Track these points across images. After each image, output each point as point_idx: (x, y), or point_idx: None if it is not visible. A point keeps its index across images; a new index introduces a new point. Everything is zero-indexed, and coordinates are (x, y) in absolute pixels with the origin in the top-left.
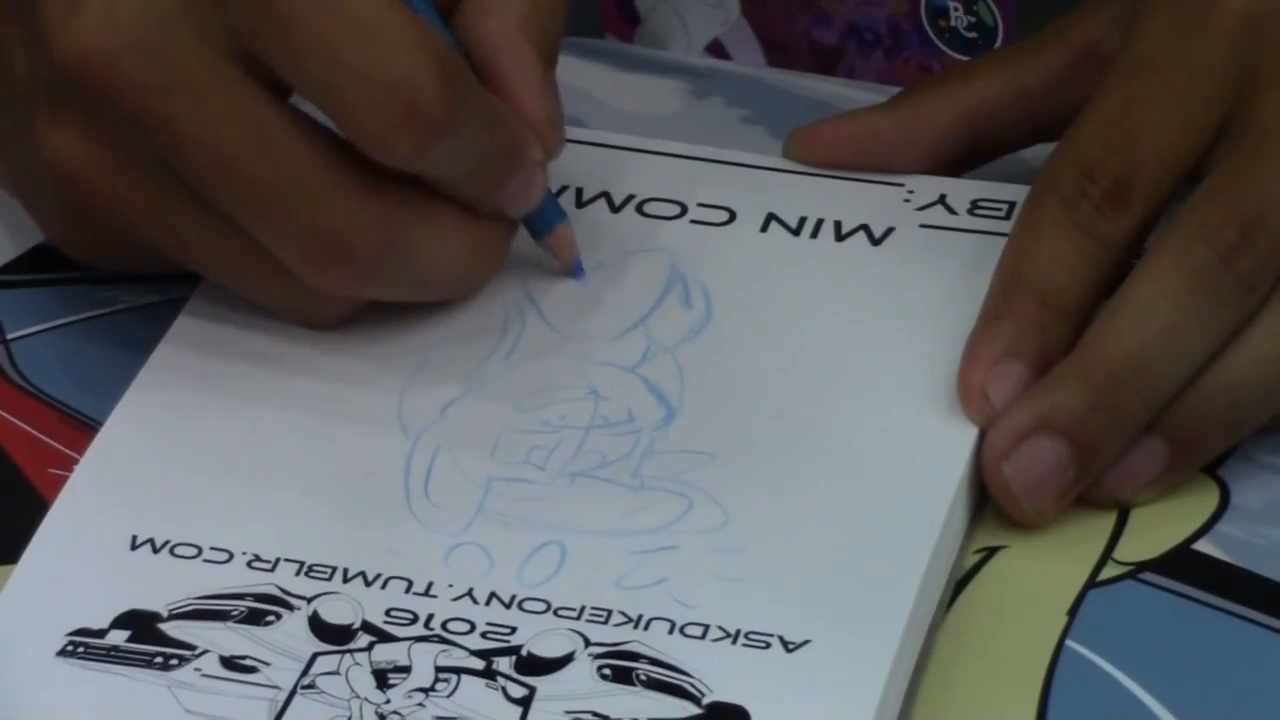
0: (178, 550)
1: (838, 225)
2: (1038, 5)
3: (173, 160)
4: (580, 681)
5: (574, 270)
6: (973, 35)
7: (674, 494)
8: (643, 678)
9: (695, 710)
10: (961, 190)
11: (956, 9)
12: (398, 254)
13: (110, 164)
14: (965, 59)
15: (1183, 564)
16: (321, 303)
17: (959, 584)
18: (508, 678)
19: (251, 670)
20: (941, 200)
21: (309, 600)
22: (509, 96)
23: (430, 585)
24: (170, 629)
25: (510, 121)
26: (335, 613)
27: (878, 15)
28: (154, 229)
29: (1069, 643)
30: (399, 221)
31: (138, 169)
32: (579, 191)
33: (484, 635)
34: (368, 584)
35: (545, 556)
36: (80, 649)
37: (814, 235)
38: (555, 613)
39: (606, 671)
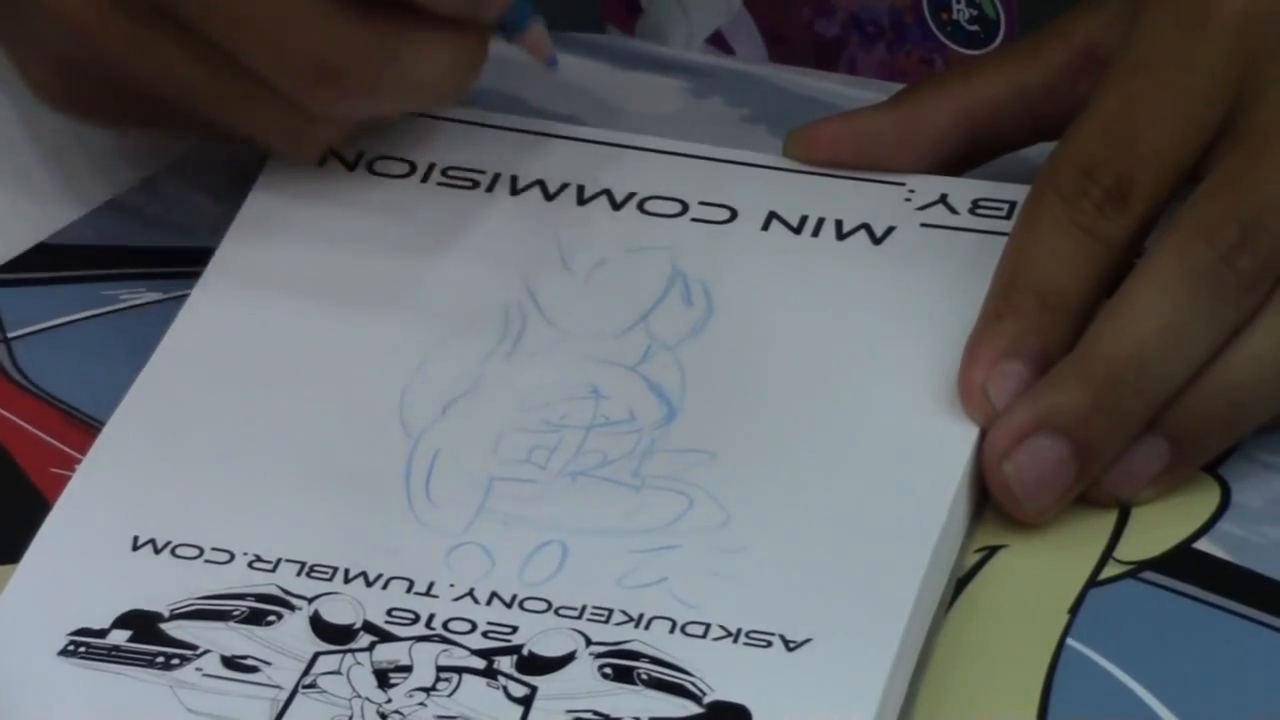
0: (179, 550)
1: (839, 224)
2: None
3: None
4: (581, 681)
5: (549, 62)
6: (974, 28)
7: (675, 493)
8: (644, 677)
9: (696, 709)
10: (962, 189)
11: (959, 1)
12: (389, 70)
13: (108, 8)
14: (967, 52)
15: (1183, 563)
16: (315, 126)
17: (960, 583)
18: (509, 677)
19: (253, 670)
20: (942, 199)
21: (310, 600)
22: None
23: (431, 585)
24: (172, 629)
25: None
26: (336, 613)
27: (880, 7)
28: (148, 65)
29: (1070, 641)
30: (388, 39)
31: (137, 12)
32: (580, 189)
33: (485, 635)
34: (369, 584)
35: (546, 556)
36: (82, 649)
37: (815, 234)
38: (556, 612)
39: (608, 671)
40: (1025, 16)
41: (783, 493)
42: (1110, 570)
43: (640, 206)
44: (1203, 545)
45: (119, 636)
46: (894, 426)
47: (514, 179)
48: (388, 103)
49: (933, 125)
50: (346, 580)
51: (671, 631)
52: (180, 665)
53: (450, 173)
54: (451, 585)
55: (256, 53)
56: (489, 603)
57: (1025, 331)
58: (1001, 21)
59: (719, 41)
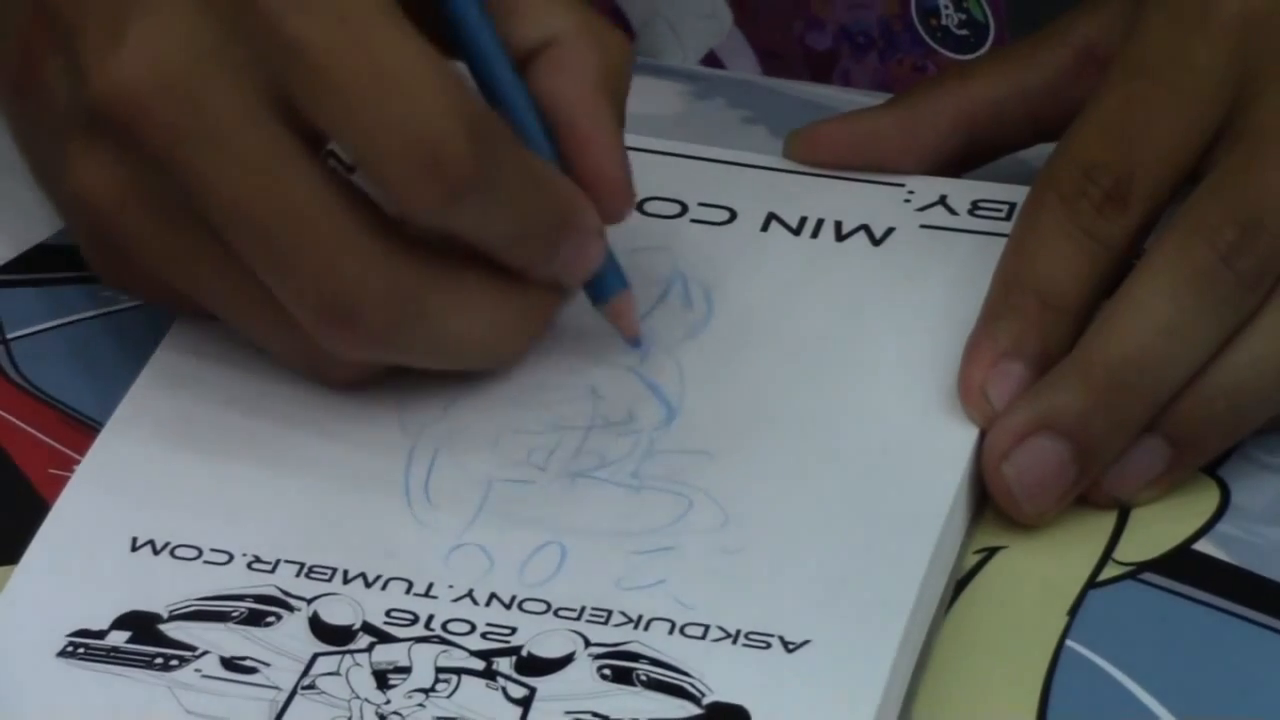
0: (178, 551)
1: (838, 225)
2: (1028, 0)
3: (194, 203)
4: (580, 682)
5: (633, 343)
6: (964, 33)
7: (674, 494)
8: (643, 678)
9: (695, 710)
10: (962, 191)
11: (947, 7)
12: (411, 323)
13: (133, 198)
14: (958, 57)
15: (1183, 564)
16: (337, 364)
17: (959, 584)
18: (508, 678)
19: (252, 671)
20: (942, 201)
21: (309, 601)
22: (585, 156)
23: (430, 586)
24: (171, 630)
25: (559, 186)
26: (335, 613)
27: (869, 17)
28: (172, 268)
29: (1069, 643)
30: (416, 290)
31: (160, 206)
32: None
33: (484, 636)
34: (368, 585)
35: (545, 557)
36: (81, 650)
37: (814, 235)
38: (555, 613)
39: (607, 672)
40: (1014, 18)
41: (782, 494)
42: (1109, 571)
43: (640, 207)
44: (1202, 546)
45: (118, 637)
46: (894, 427)
47: None
48: (410, 356)
49: (932, 126)
50: (345, 581)
51: (670, 633)
52: (179, 666)
53: None
54: (450, 586)
55: (273, 275)
56: (488, 604)
57: (1025, 332)
58: (991, 25)
59: (713, 62)
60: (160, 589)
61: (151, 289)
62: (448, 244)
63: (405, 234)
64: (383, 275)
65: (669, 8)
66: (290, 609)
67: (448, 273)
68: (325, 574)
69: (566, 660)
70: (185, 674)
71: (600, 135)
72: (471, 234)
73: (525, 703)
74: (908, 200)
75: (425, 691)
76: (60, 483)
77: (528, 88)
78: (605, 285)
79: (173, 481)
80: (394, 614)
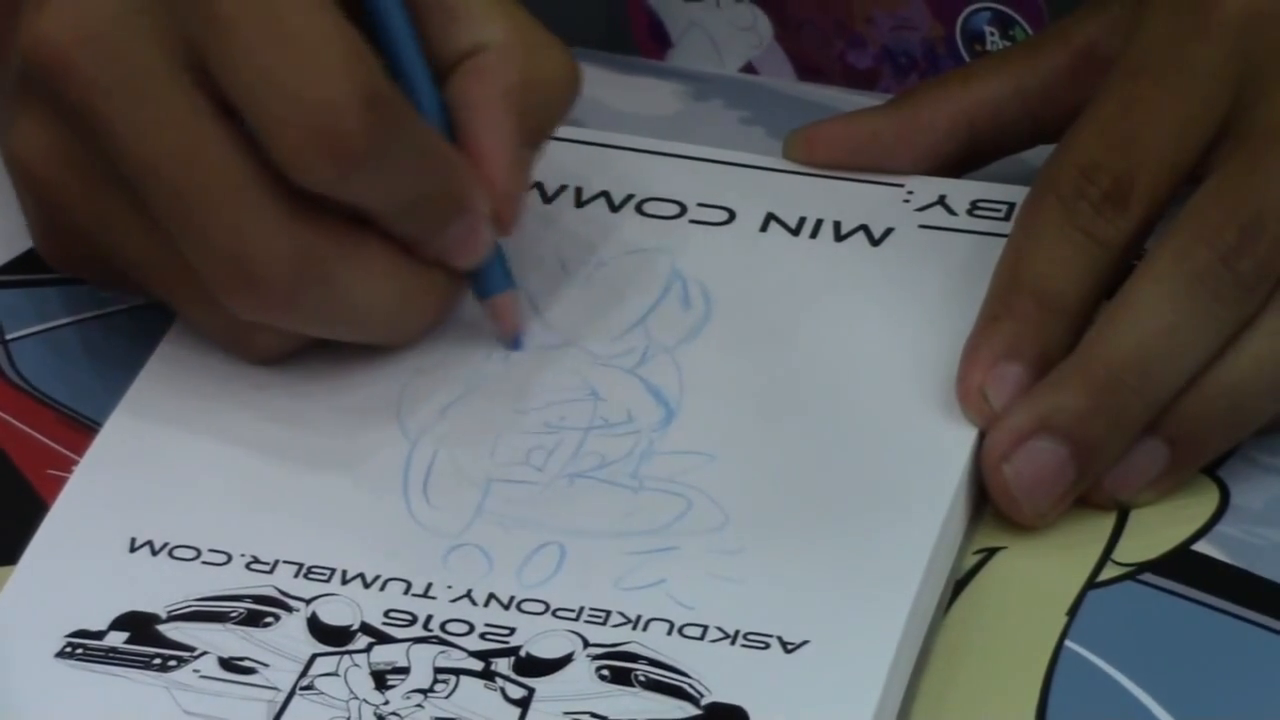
0: (176, 552)
1: (837, 225)
2: None
3: (113, 160)
4: (579, 682)
5: (512, 343)
6: None
7: (673, 495)
8: (641, 678)
9: (694, 711)
10: (961, 191)
11: (992, 33)
12: (314, 286)
13: (63, 156)
14: None
15: (1182, 565)
16: (251, 332)
17: (958, 584)
18: (506, 679)
19: (250, 671)
20: (941, 201)
21: (308, 602)
22: (476, 160)
23: (429, 586)
24: (169, 630)
25: (455, 166)
26: (334, 614)
27: (913, 38)
28: (101, 232)
29: (1068, 643)
30: (319, 253)
31: (88, 167)
32: (578, 191)
33: (483, 636)
34: (366, 585)
35: (544, 557)
36: (79, 650)
37: (813, 235)
38: (554, 614)
39: (605, 672)
40: None
41: (781, 495)
42: (1109, 572)
43: (638, 208)
44: (1201, 547)
45: (116, 638)
46: (893, 428)
47: None
48: (315, 323)
49: (932, 127)
50: (344, 581)
51: (669, 633)
52: (177, 667)
53: None
54: (449, 587)
55: (180, 233)
56: (487, 604)
57: (1024, 333)
58: None
59: (750, 74)
60: (159, 589)
61: (92, 266)
62: (351, 213)
63: (311, 200)
64: (287, 238)
65: (708, 18)
66: (289, 609)
67: (352, 240)
68: (324, 574)
69: (565, 661)
70: (183, 674)
71: (493, 143)
72: (362, 203)
73: (524, 703)
74: (907, 200)
75: (424, 692)
76: (59, 483)
77: (441, 93)
78: (489, 281)
79: (171, 482)
80: (392, 614)
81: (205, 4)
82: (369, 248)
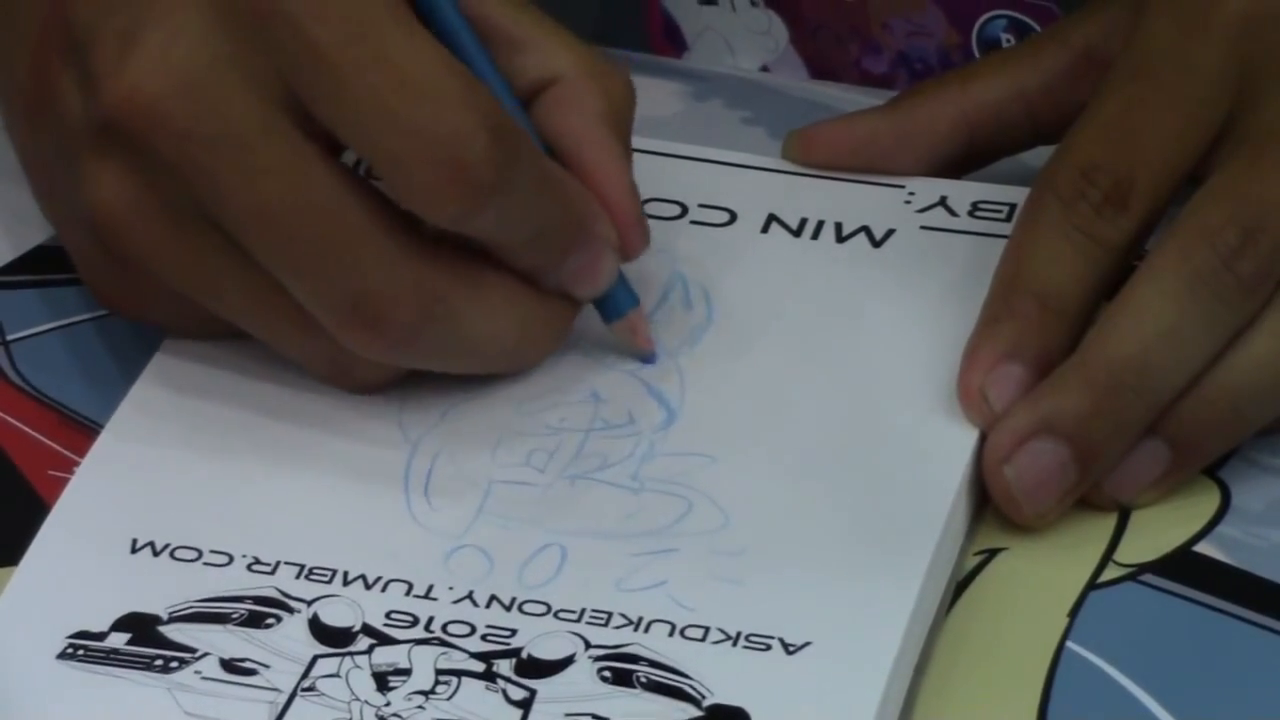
0: (178, 553)
1: (838, 227)
2: None
3: (212, 210)
4: (580, 684)
5: (648, 359)
6: None
7: (674, 496)
8: (643, 680)
9: (696, 712)
10: (962, 192)
11: (1009, 40)
12: (437, 323)
13: (150, 208)
14: None
15: (1183, 566)
16: (360, 367)
17: (959, 585)
18: (508, 680)
19: (251, 673)
20: (942, 202)
21: (309, 603)
22: (595, 188)
23: (430, 588)
24: (170, 632)
25: (576, 195)
26: (335, 615)
27: (928, 44)
28: (191, 279)
29: (1069, 644)
30: (441, 290)
31: (178, 215)
32: None
33: (484, 638)
34: (368, 587)
35: (545, 559)
36: (80, 652)
37: (815, 236)
38: (555, 615)
39: (607, 674)
40: None
41: (782, 496)
42: (1110, 573)
43: None
44: (1202, 548)
45: (118, 639)
46: (894, 429)
47: None
48: (436, 359)
49: (932, 128)
50: (345, 583)
51: (671, 635)
52: (179, 668)
53: None
54: (450, 588)
55: (297, 281)
56: (488, 606)
57: (1024, 334)
58: None
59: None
60: (160, 591)
61: (167, 308)
62: (464, 247)
63: (428, 237)
64: (408, 275)
65: (723, 22)
66: (290, 611)
67: (470, 273)
68: (325, 576)
69: (567, 662)
70: (185, 676)
71: (611, 170)
72: (489, 237)
73: (525, 705)
74: (908, 201)
75: (425, 693)
76: (60, 484)
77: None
78: (617, 302)
79: (173, 483)
80: (394, 616)
81: (299, 39)
82: (489, 281)
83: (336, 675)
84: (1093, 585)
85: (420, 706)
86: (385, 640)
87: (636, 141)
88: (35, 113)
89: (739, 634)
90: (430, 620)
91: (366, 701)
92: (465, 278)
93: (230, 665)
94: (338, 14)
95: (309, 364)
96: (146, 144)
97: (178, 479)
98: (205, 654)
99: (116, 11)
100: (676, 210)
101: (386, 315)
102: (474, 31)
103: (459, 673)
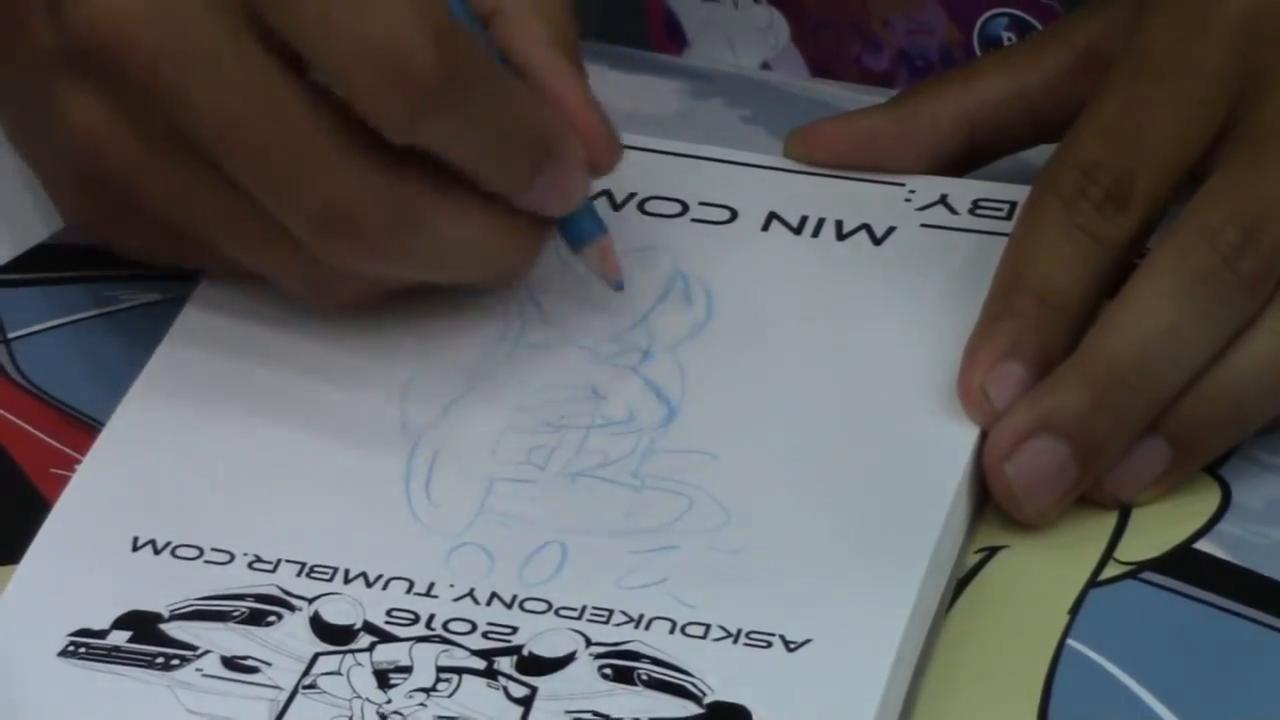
0: (179, 551)
1: (839, 224)
2: None
3: (184, 127)
4: (581, 681)
5: (616, 285)
6: None
7: (675, 494)
8: (644, 677)
9: (696, 710)
10: (963, 190)
11: (1010, 39)
12: (407, 230)
13: (126, 130)
14: None
15: (1184, 563)
16: (334, 281)
17: (960, 583)
18: (509, 677)
19: (253, 670)
20: (943, 200)
21: (310, 601)
22: (560, 111)
23: (431, 585)
24: (171, 629)
25: (539, 111)
26: (336, 613)
27: (930, 42)
28: (168, 198)
29: (1070, 642)
30: (410, 198)
31: (153, 135)
32: None
33: (485, 635)
34: (369, 584)
35: (546, 556)
36: (82, 649)
37: (815, 234)
38: (556, 612)
39: (608, 671)
40: None
41: (782, 493)
42: (1110, 571)
43: (640, 207)
44: (1203, 546)
45: (119, 637)
46: (894, 427)
47: None
48: (408, 268)
49: (933, 126)
50: (346, 581)
51: (671, 632)
52: (180, 666)
53: None
54: (451, 586)
55: (270, 192)
56: (489, 603)
57: (1025, 332)
58: None
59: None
60: (161, 588)
61: (144, 233)
62: (437, 163)
63: (398, 152)
64: (379, 184)
65: (724, 18)
66: (291, 608)
67: (441, 184)
68: (326, 573)
69: (567, 660)
70: (186, 673)
71: (569, 87)
72: (446, 151)
73: (526, 702)
74: (908, 200)
75: (426, 691)
76: (61, 482)
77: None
78: (582, 229)
79: (174, 481)
80: (395, 613)
81: None
82: (457, 193)
83: (338, 673)
84: (1093, 583)
85: (421, 704)
86: (386, 638)
87: (637, 140)
88: (5, 46)
89: (740, 631)
90: (431, 618)
91: (367, 699)
92: (436, 188)
93: (231, 663)
94: None
95: (286, 282)
96: (117, 65)
97: (179, 477)
98: (206, 652)
99: None
100: (677, 208)
101: (356, 222)
102: None
103: (460, 670)
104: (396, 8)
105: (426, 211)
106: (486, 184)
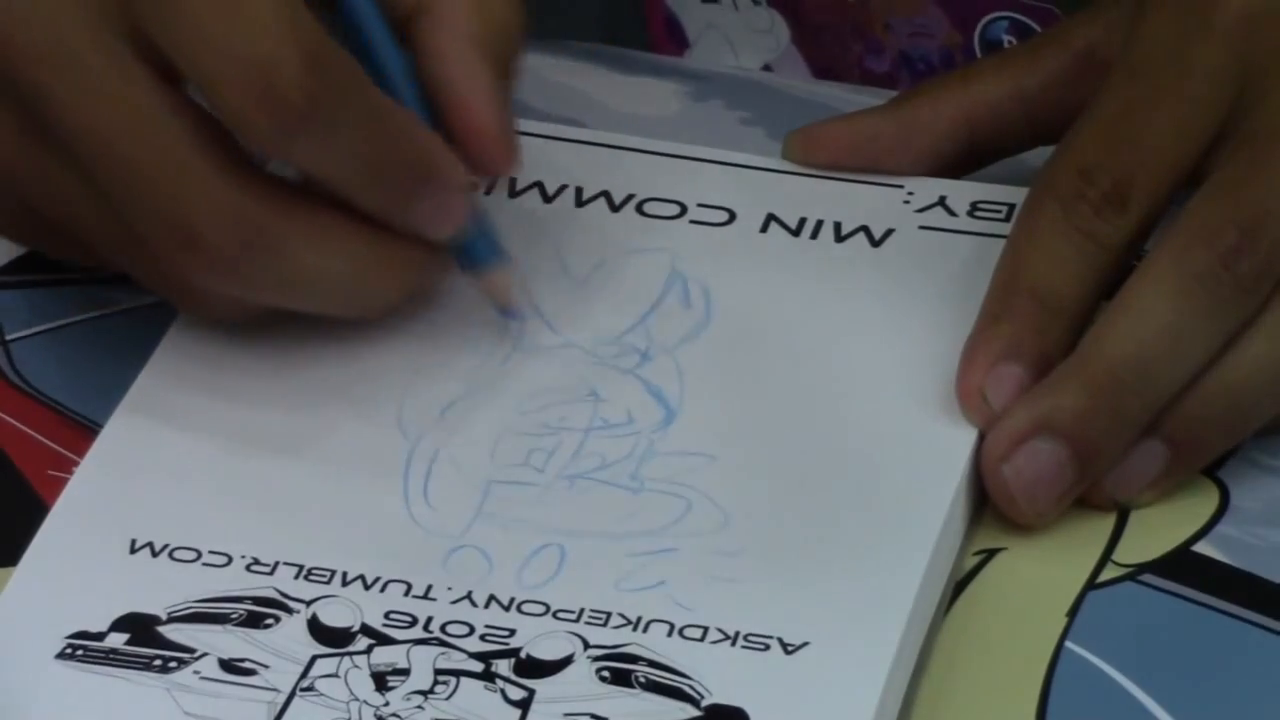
0: (177, 553)
1: (837, 226)
2: None
3: (50, 128)
4: (579, 684)
5: (506, 314)
6: None
7: (673, 496)
8: (642, 680)
9: (694, 712)
10: (961, 192)
11: (1010, 42)
12: (256, 253)
13: (7, 129)
14: None
15: (1182, 565)
16: (199, 295)
17: (958, 585)
18: (507, 680)
19: (250, 673)
20: (941, 202)
21: (308, 603)
22: (459, 110)
23: (429, 588)
24: (169, 632)
25: (413, 132)
26: (334, 615)
27: (930, 45)
28: (46, 199)
29: (1068, 644)
30: (264, 220)
31: (28, 135)
32: (579, 191)
33: (483, 638)
34: (367, 587)
35: (544, 559)
36: (79, 652)
37: (814, 236)
38: (554, 615)
39: (606, 674)
40: None
41: (781, 495)
42: (1109, 573)
43: (639, 208)
44: (1201, 548)
45: (117, 639)
46: (892, 429)
47: (512, 181)
48: (264, 291)
49: (931, 128)
50: (344, 583)
51: (670, 635)
52: (178, 668)
53: None
54: (449, 588)
55: (125, 201)
56: (487, 606)
57: (1023, 334)
58: None
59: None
60: (159, 591)
61: (47, 236)
62: (314, 189)
63: (263, 172)
64: (228, 202)
65: (726, 20)
66: (289, 611)
67: (303, 209)
68: (324, 576)
69: (565, 662)
70: (184, 676)
71: (475, 88)
72: (316, 172)
73: (524, 705)
74: (907, 201)
75: (424, 693)
76: (59, 484)
77: (407, 48)
78: (475, 253)
79: (171, 483)
80: (393, 616)
81: None
82: (323, 218)
83: (335, 675)
84: (1091, 585)
85: (419, 706)
86: (384, 640)
87: (636, 141)
88: None
89: (738, 634)
90: (429, 620)
91: (365, 701)
92: (295, 212)
93: (229, 665)
94: None
95: (165, 294)
96: None
97: (177, 479)
98: (204, 654)
99: None
100: (676, 210)
101: (202, 240)
102: None
103: (458, 673)
104: (269, 25)
105: (279, 235)
106: (362, 207)
